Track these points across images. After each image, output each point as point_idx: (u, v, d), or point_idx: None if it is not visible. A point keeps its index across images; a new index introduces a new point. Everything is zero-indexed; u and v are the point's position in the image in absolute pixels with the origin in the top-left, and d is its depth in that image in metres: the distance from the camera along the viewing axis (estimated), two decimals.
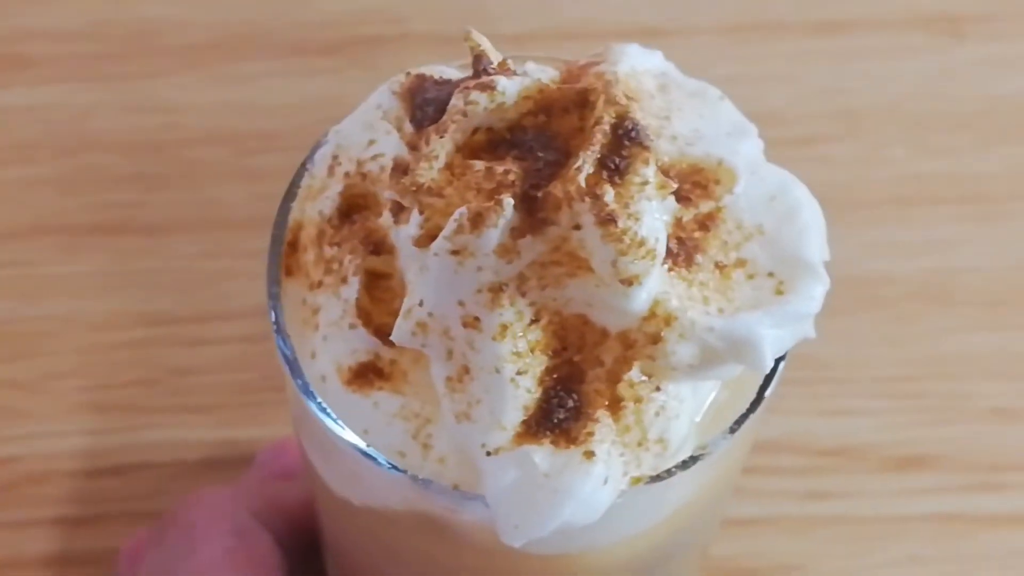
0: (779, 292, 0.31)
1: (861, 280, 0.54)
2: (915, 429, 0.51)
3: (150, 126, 0.57)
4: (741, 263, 0.31)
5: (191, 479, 0.49)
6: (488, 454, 0.29)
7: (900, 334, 0.53)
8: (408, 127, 0.31)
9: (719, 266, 0.31)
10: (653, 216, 0.29)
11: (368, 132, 0.33)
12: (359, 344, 0.31)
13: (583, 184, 0.28)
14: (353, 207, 0.32)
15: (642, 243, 0.28)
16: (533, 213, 0.28)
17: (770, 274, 0.31)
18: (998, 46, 0.60)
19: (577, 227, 0.28)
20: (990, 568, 0.49)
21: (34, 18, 0.60)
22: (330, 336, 0.31)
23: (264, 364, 0.51)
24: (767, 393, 0.31)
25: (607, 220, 0.28)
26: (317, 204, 0.33)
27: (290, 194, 0.34)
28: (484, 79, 0.30)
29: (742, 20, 0.61)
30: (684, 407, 0.30)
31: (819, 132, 0.58)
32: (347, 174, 0.33)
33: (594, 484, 0.28)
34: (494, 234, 0.28)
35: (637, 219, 0.28)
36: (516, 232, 0.28)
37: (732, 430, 0.31)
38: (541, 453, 0.28)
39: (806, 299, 0.30)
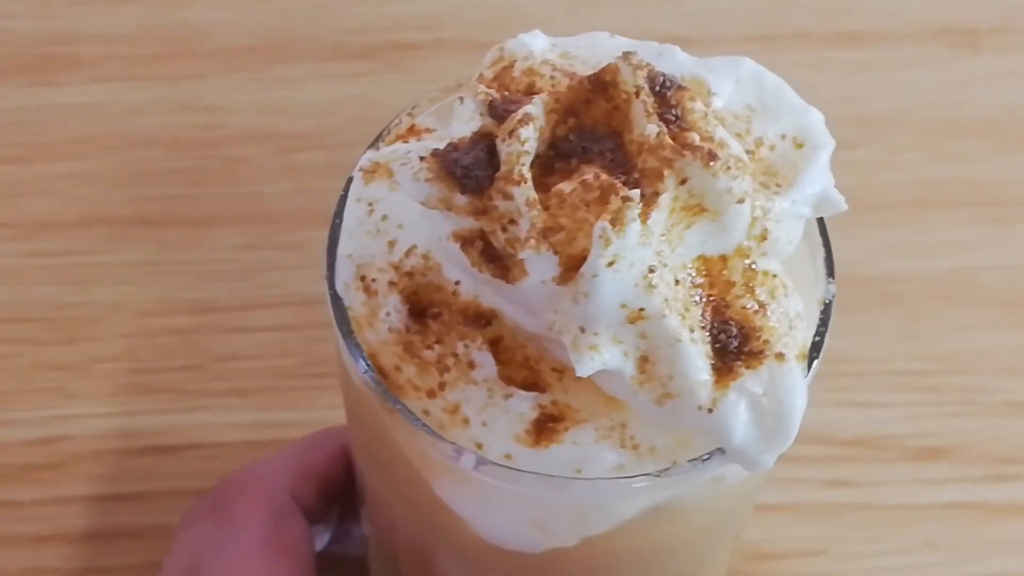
0: (799, 145, 0.33)
1: (880, 279, 0.55)
2: (932, 421, 0.52)
3: (195, 124, 0.59)
4: (759, 142, 0.33)
5: (232, 458, 0.50)
6: (710, 411, 0.30)
7: (917, 330, 0.54)
8: (460, 199, 0.30)
9: (750, 153, 0.32)
10: (727, 135, 0.31)
11: (381, 238, 0.33)
12: (522, 407, 0.31)
13: (671, 143, 0.29)
14: (418, 305, 0.32)
15: (739, 160, 0.30)
16: (643, 192, 0.29)
17: (783, 136, 0.33)
18: (1012, 58, 0.62)
19: (683, 181, 0.29)
20: (1002, 553, 0.50)
21: (86, 21, 0.62)
22: (490, 419, 0.31)
23: (302, 351, 0.53)
24: (827, 230, 0.34)
25: (711, 158, 0.29)
26: (378, 326, 0.32)
27: (345, 333, 0.32)
28: (517, 115, 0.30)
29: (766, 30, 0.63)
30: (789, 280, 0.32)
31: (839, 138, 0.56)
32: (391, 283, 0.32)
33: (797, 375, 0.31)
34: (636, 227, 0.29)
35: (725, 144, 0.30)
36: (641, 216, 0.29)
37: (829, 275, 0.33)
38: (748, 380, 0.30)
39: (820, 135, 0.33)
